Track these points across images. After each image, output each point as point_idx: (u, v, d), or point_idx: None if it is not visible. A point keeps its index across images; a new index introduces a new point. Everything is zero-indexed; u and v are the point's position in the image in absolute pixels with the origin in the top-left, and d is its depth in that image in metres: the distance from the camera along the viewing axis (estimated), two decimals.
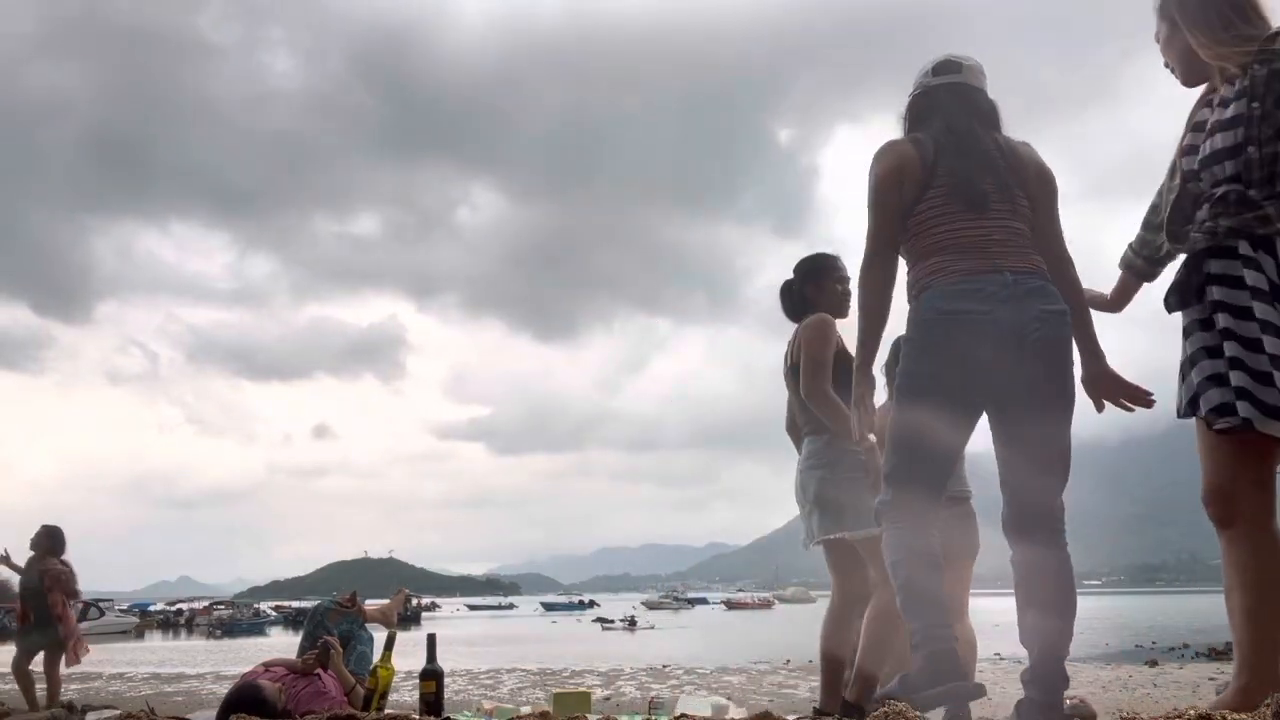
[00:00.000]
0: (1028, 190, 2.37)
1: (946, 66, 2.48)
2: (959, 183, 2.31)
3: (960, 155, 2.34)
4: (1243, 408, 1.92)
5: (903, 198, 2.35)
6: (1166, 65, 2.25)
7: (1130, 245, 2.49)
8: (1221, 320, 1.98)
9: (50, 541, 6.79)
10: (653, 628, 35.87)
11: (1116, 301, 2.56)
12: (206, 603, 57.67)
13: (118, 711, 2.86)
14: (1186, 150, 2.13)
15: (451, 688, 8.84)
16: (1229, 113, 2.02)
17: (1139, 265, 2.47)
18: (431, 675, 3.03)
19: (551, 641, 27.64)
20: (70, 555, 6.83)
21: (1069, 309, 2.28)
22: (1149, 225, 2.41)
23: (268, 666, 3.28)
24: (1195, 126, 2.14)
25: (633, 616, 41.55)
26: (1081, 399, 2.35)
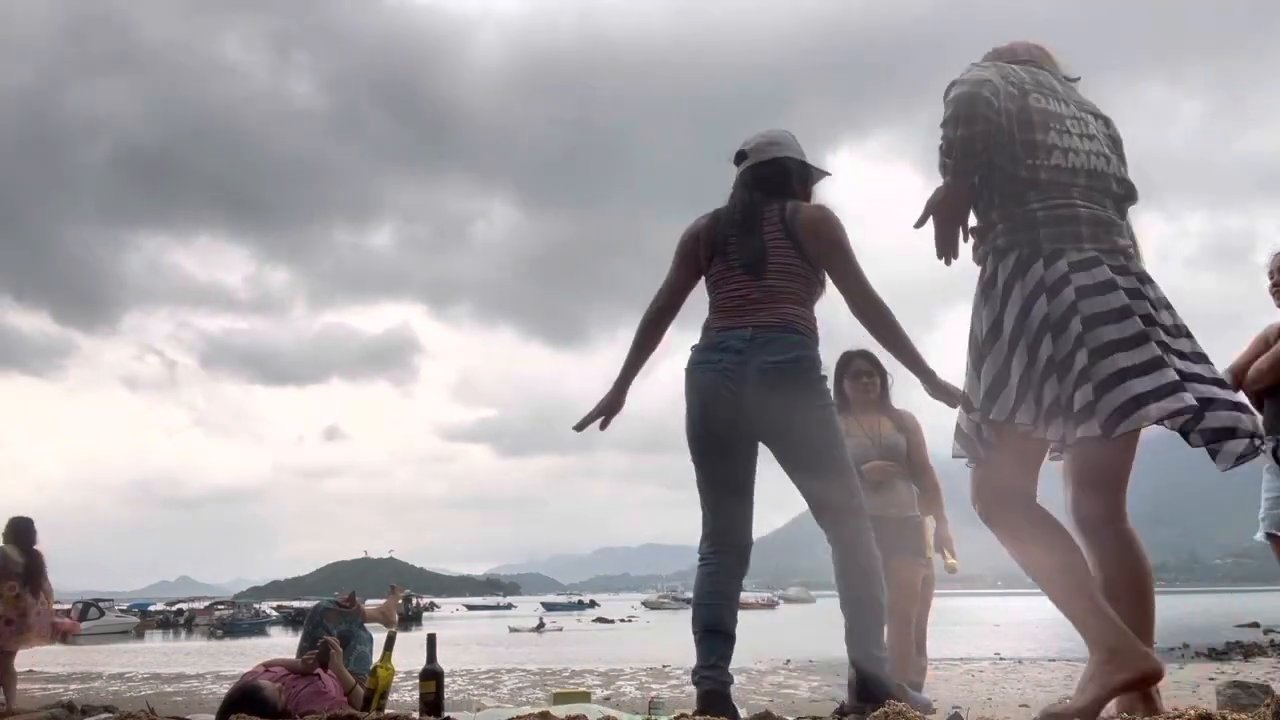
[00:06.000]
0: (804, 250, 2.65)
1: (737, 157, 2.86)
2: (729, 251, 2.70)
3: (733, 227, 2.72)
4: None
5: (693, 259, 2.78)
6: None
7: None
8: None
9: (13, 533, 6.53)
10: (560, 630, 35.57)
11: None
12: (207, 603, 57.53)
13: (117, 712, 2.85)
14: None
15: (451, 688, 8.83)
16: None
17: None
18: (431, 675, 3.03)
19: (552, 642, 27.63)
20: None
21: (801, 356, 2.59)
22: None
23: (268, 666, 3.27)
24: None
25: (541, 619, 41.29)
26: None
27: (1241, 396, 2.08)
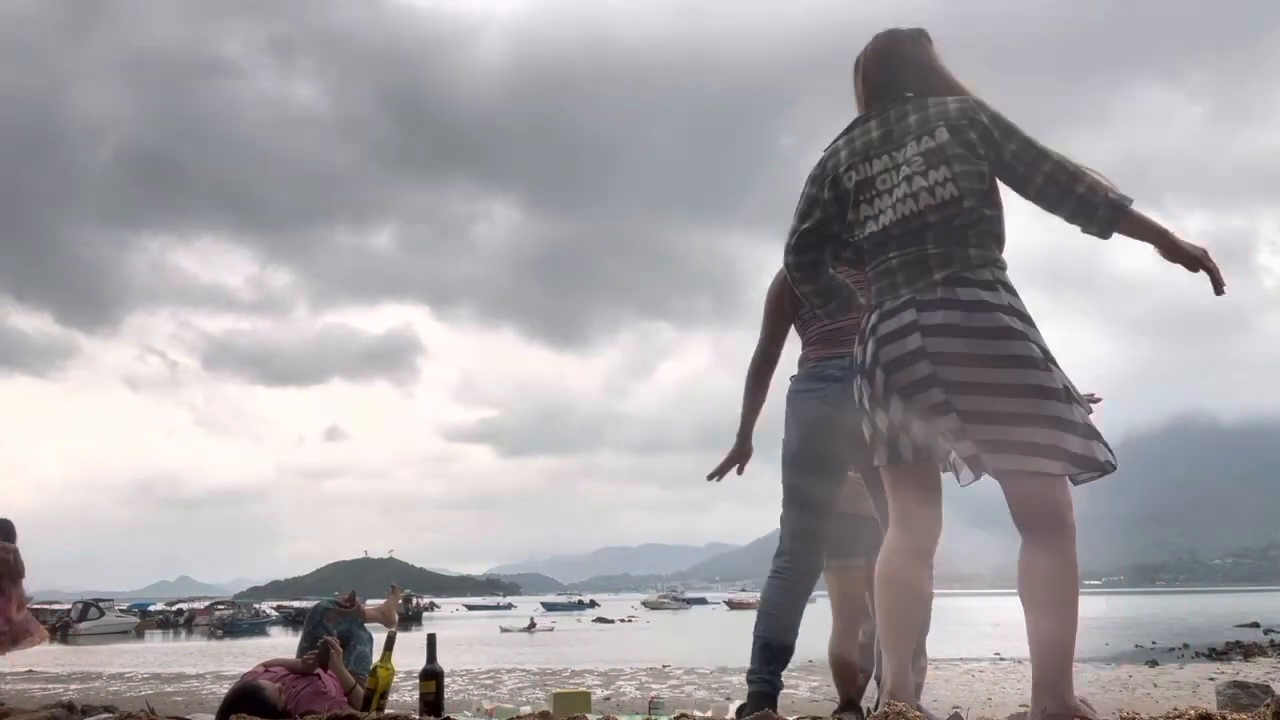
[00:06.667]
0: None
1: None
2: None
3: None
4: None
5: (780, 310, 3.06)
6: None
7: None
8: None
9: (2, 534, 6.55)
10: (553, 629, 35.60)
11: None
12: (207, 603, 57.55)
13: (117, 712, 2.85)
14: None
15: (451, 688, 8.84)
16: None
17: None
18: (431, 675, 3.03)
19: (552, 642, 27.63)
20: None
21: None
22: None
23: (268, 666, 3.27)
24: None
25: (532, 619, 41.40)
26: None
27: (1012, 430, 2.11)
